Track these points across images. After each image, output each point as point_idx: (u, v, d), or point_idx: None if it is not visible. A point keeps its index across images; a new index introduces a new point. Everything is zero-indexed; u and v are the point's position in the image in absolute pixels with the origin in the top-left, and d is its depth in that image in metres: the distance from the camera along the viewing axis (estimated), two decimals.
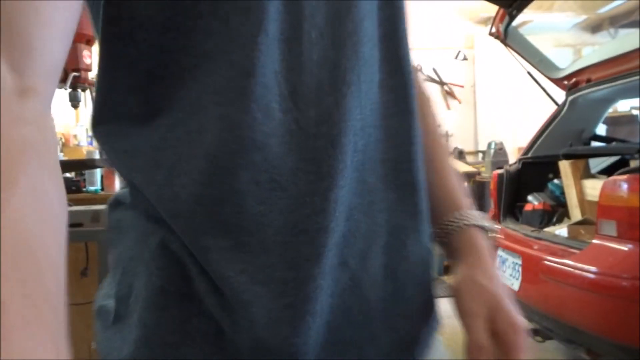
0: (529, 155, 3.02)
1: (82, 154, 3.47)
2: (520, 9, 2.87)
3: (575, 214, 2.55)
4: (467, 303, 0.52)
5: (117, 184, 2.35)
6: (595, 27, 3.98)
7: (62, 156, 3.42)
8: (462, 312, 0.53)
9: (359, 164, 0.46)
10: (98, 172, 2.34)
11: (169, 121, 0.42)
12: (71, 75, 1.82)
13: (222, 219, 0.41)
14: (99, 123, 0.46)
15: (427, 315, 0.53)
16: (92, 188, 2.33)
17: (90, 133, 4.04)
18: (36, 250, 0.29)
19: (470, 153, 6.48)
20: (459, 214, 0.57)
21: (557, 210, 2.74)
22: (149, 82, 0.43)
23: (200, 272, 0.43)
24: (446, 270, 4.76)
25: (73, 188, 2.26)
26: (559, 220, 2.67)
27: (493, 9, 3.01)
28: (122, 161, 0.45)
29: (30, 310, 0.27)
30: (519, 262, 2.36)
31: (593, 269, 1.86)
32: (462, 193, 0.60)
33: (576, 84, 2.98)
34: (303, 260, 0.43)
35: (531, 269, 2.23)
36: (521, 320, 0.52)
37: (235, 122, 0.41)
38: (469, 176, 4.64)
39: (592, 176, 2.60)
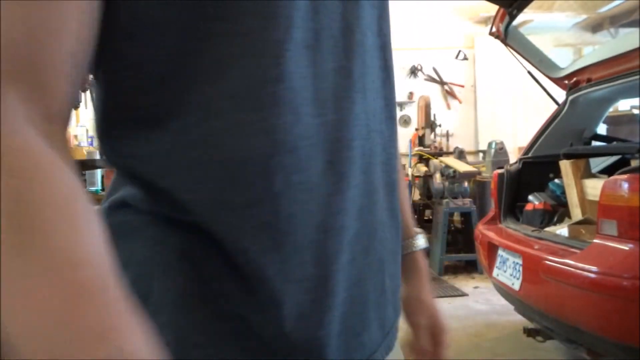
0: (530, 154, 3.02)
1: (82, 155, 3.47)
2: (520, 9, 2.88)
3: (576, 214, 2.55)
4: (415, 318, 0.71)
5: None
6: (595, 27, 3.98)
7: None
8: (412, 323, 0.71)
9: (366, 166, 0.50)
10: (98, 173, 2.35)
11: (191, 124, 0.42)
12: None
13: (258, 221, 0.43)
14: (109, 126, 0.45)
15: (396, 303, 0.60)
16: (92, 188, 2.33)
17: (91, 134, 4.04)
18: (114, 278, 0.33)
19: (470, 153, 6.48)
20: (410, 241, 0.71)
21: (557, 210, 2.75)
22: (164, 84, 0.42)
23: (227, 272, 0.44)
24: (446, 270, 4.76)
25: None
26: (560, 220, 2.67)
27: (493, 8, 3.01)
28: (137, 165, 0.45)
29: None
30: (520, 261, 2.36)
31: (594, 268, 1.86)
32: (412, 220, 0.73)
33: (577, 83, 2.98)
34: (327, 257, 0.46)
35: (532, 268, 2.23)
36: (445, 323, 0.71)
37: (268, 126, 0.42)
38: (469, 176, 4.64)
39: (593, 176, 2.60)
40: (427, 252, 4.72)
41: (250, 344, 0.45)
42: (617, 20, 3.75)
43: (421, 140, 5.67)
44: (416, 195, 5.41)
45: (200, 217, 0.43)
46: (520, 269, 2.34)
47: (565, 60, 3.23)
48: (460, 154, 5.13)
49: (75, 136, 3.87)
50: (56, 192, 0.33)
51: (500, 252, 2.61)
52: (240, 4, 0.41)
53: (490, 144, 5.00)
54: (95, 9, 0.38)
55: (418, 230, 0.74)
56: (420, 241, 0.72)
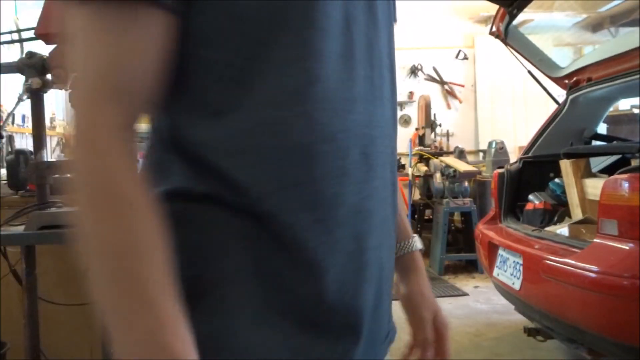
0: (530, 154, 3.02)
1: None
2: (520, 8, 2.87)
3: (576, 213, 2.55)
4: (420, 311, 0.75)
5: None
6: (595, 26, 3.97)
7: (63, 157, 3.42)
8: (416, 317, 0.75)
9: (383, 163, 0.58)
10: None
11: (249, 115, 0.50)
12: (72, 75, 1.81)
13: (304, 199, 0.51)
14: (177, 115, 0.52)
15: (391, 291, 0.67)
16: None
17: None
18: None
19: (471, 152, 6.47)
20: (407, 241, 0.77)
21: (558, 210, 2.74)
22: (229, 81, 0.50)
23: (277, 248, 0.50)
24: (447, 269, 4.76)
25: None
26: (560, 220, 2.67)
27: (493, 8, 3.01)
28: (201, 149, 0.50)
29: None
30: (520, 261, 2.36)
31: (594, 268, 1.86)
32: (408, 224, 0.79)
33: (577, 82, 2.98)
34: (361, 235, 0.54)
35: (532, 268, 2.23)
36: (446, 318, 0.76)
37: (310, 118, 0.50)
38: (469, 175, 4.64)
39: (593, 175, 2.60)
40: (427, 252, 4.75)
41: (295, 313, 0.51)
42: (617, 19, 3.75)
43: (421, 140, 5.67)
44: (416, 195, 5.41)
45: (254, 197, 0.50)
46: (521, 268, 2.34)
47: (566, 60, 3.22)
48: (461, 154, 5.13)
49: None
50: (147, 228, 0.45)
51: (500, 251, 2.61)
52: (288, 20, 0.50)
53: (490, 144, 5.00)
54: (174, 29, 0.48)
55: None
56: (417, 242, 0.79)
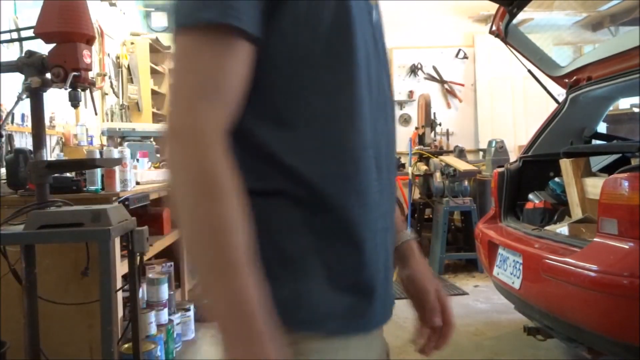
0: (530, 153, 3.02)
1: (82, 154, 3.47)
2: (520, 7, 2.87)
3: (576, 212, 2.55)
4: (423, 284, 0.87)
5: (118, 183, 2.35)
6: (595, 25, 3.97)
7: (62, 156, 3.41)
8: (420, 290, 0.87)
9: (387, 165, 0.74)
10: (98, 172, 2.34)
11: (314, 124, 0.65)
12: (71, 75, 1.80)
13: (353, 188, 0.67)
14: (253, 122, 0.64)
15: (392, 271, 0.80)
16: (92, 188, 2.33)
17: (91, 133, 4.04)
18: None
19: (471, 151, 6.47)
20: (404, 232, 0.90)
21: (558, 209, 2.74)
22: (292, 97, 0.65)
23: (334, 229, 0.66)
24: (446, 269, 4.76)
25: (73, 188, 2.26)
26: (560, 219, 2.67)
27: (493, 7, 3.01)
28: (274, 151, 0.64)
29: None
30: (520, 260, 2.36)
31: (594, 267, 1.86)
32: (401, 218, 0.93)
33: (577, 82, 2.98)
34: (380, 217, 0.71)
35: (532, 267, 2.23)
36: (445, 293, 0.89)
37: (358, 130, 0.68)
38: (469, 175, 4.63)
39: (593, 174, 2.59)
40: (427, 251, 4.76)
41: (347, 278, 0.66)
42: (617, 18, 3.75)
43: (421, 139, 5.67)
44: (416, 194, 5.41)
45: (316, 187, 0.65)
46: (521, 267, 2.34)
47: (566, 59, 3.22)
48: (461, 153, 5.12)
49: (75, 135, 3.86)
50: (236, 212, 0.57)
51: (500, 250, 2.61)
52: (336, 53, 0.66)
53: (490, 143, 5.00)
54: (254, 55, 0.62)
55: None
56: (410, 233, 0.92)
